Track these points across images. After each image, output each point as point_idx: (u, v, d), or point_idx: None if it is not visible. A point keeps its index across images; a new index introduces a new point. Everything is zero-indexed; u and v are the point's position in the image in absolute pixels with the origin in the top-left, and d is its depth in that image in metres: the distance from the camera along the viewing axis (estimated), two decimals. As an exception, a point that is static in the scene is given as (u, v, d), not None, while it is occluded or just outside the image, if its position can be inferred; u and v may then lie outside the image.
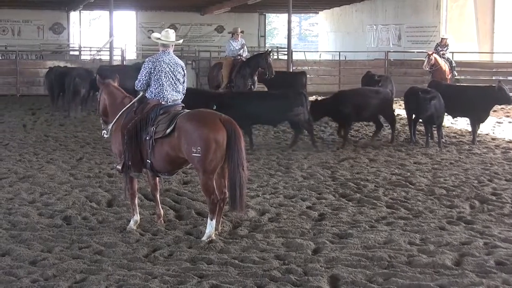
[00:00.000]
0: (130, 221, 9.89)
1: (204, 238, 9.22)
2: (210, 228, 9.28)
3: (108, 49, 32.41)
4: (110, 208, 11.01)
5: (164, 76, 9.73)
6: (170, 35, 9.93)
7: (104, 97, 10.37)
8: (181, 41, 10.36)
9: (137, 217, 9.88)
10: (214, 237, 9.24)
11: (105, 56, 33.16)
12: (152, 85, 9.74)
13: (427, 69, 27.43)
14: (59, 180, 13.02)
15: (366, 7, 40.18)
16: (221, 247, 8.94)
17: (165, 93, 9.73)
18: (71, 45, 42.77)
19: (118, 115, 9.92)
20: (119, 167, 9.74)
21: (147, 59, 10.08)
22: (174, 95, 9.84)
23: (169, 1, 40.11)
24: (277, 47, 49.03)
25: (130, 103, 9.96)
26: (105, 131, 10.33)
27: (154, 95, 9.73)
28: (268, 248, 8.94)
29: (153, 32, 10.09)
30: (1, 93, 28.25)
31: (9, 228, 9.79)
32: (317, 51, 46.71)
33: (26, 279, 7.67)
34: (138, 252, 8.71)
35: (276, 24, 72.03)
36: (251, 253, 8.73)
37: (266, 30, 49.25)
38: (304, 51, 46.13)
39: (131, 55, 40.97)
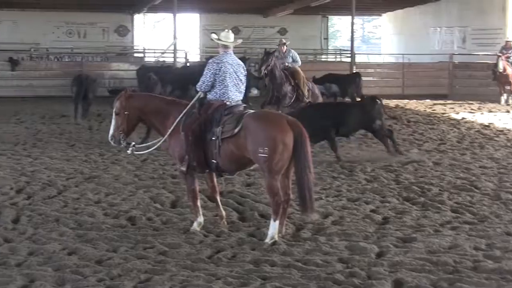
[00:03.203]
0: (193, 222, 9.94)
1: (267, 239, 9.22)
2: (273, 229, 9.27)
3: (172, 51, 32.74)
4: (174, 209, 11.09)
5: (229, 77, 9.74)
6: (230, 36, 9.94)
7: (137, 110, 10.11)
8: (240, 41, 10.37)
9: (200, 218, 9.91)
10: (277, 239, 9.24)
11: (169, 58, 33.44)
12: (217, 86, 9.74)
13: (500, 71, 27.08)
14: (124, 181, 13.17)
15: (430, 9, 39.76)
16: (284, 249, 8.93)
17: (230, 94, 9.76)
18: (135, 47, 43.22)
19: (178, 118, 9.81)
20: (184, 168, 9.76)
21: (210, 60, 10.07)
22: (238, 95, 9.87)
23: (232, 4, 40.23)
24: (339, 49, 48.89)
25: (190, 105, 9.91)
26: (131, 147, 10.21)
27: (219, 96, 9.74)
28: (331, 251, 8.90)
29: (216, 34, 10.04)
30: (68, 94, 28.58)
31: (76, 227, 9.93)
32: (380, 54, 46.41)
33: (92, 278, 7.77)
34: (202, 253, 8.75)
35: (339, 27, 71.70)
36: (314, 255, 8.70)
37: (328, 33, 49.09)
38: (367, 54, 45.91)
39: (195, 57, 41.23)
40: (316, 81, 25.92)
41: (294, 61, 20.50)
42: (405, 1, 40.47)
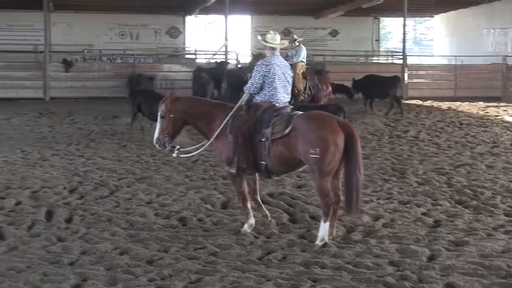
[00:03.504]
0: (244, 224, 9.95)
1: (317, 241, 9.20)
2: (323, 230, 9.24)
3: (223, 53, 32.88)
4: (224, 210, 11.12)
5: (277, 79, 9.74)
6: (276, 38, 9.94)
7: (182, 113, 10.09)
8: (287, 43, 10.34)
9: (251, 220, 9.91)
10: (327, 240, 9.21)
11: (220, 60, 33.55)
12: (266, 88, 9.74)
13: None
14: (175, 182, 13.25)
15: (483, 10, 39.34)
16: (334, 251, 8.90)
17: (278, 96, 9.76)
18: (187, 49, 43.46)
19: (225, 121, 9.79)
20: (234, 170, 9.74)
21: (259, 62, 10.05)
22: (286, 97, 9.88)
23: (284, 5, 40.25)
24: (391, 51, 48.61)
25: (236, 107, 9.91)
26: (176, 151, 10.16)
27: (268, 98, 9.74)
28: (382, 254, 8.84)
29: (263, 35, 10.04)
30: (121, 95, 28.83)
31: (127, 227, 10.01)
32: (432, 56, 46.05)
33: (143, 278, 7.82)
34: (252, 255, 8.76)
35: (391, 28, 71.33)
36: (365, 258, 8.66)
37: (380, 34, 48.84)
38: (419, 56, 45.59)
39: (246, 58, 41.31)
40: (355, 82, 26.12)
41: (294, 56, 20.44)
42: (458, 2, 40.12)
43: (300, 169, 10.01)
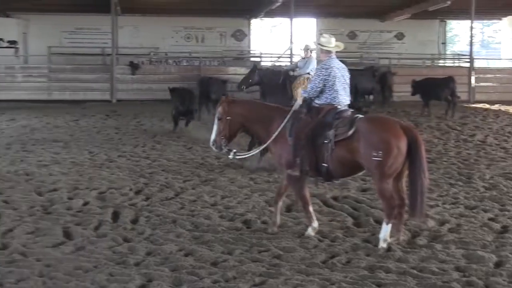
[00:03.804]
0: (308, 227, 9.92)
1: (380, 243, 9.16)
2: (385, 232, 9.21)
3: (288, 56, 32.87)
4: (288, 213, 11.10)
5: (338, 81, 9.77)
6: (331, 41, 9.97)
7: (239, 115, 10.12)
8: (342, 46, 10.33)
9: (315, 223, 9.90)
10: (389, 240, 9.16)
11: (285, 63, 33.56)
12: (326, 91, 9.76)
13: None
14: (240, 184, 13.29)
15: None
16: (399, 256, 8.83)
17: (340, 98, 9.79)
18: (252, 52, 43.58)
19: (282, 124, 9.80)
20: (297, 173, 9.72)
21: (318, 66, 10.10)
22: (346, 99, 9.90)
23: (349, 8, 40.05)
24: (458, 54, 48.02)
25: (292, 110, 9.90)
26: (232, 153, 10.24)
27: (330, 100, 9.75)
28: (448, 259, 8.74)
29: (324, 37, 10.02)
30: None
31: (192, 229, 10.08)
32: (500, 59, 45.36)
33: (208, 280, 7.87)
34: (316, 258, 8.74)
35: (457, 31, 70.46)
36: (430, 263, 8.57)
37: (446, 37, 48.29)
38: (486, 59, 44.96)
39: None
40: (415, 84, 26.25)
41: (302, 67, 20.05)
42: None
43: (359, 174, 9.97)
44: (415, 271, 8.23)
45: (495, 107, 30.43)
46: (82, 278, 7.90)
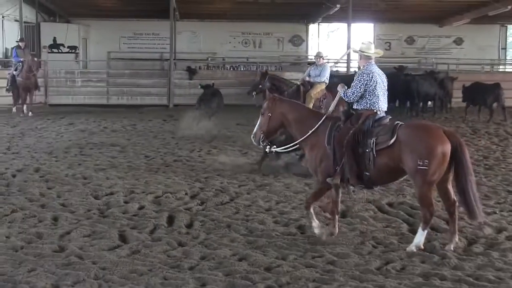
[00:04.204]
0: (361, 231, 9.89)
1: (410, 247, 9.25)
2: (420, 237, 9.27)
3: (346, 61, 32.77)
4: (343, 219, 11.05)
5: (378, 87, 9.82)
6: (371, 47, 10.05)
7: (279, 114, 10.31)
8: (381, 52, 10.33)
9: (335, 230, 9.91)
10: (422, 247, 9.22)
11: (342, 68, 33.46)
12: (367, 96, 9.80)
13: None
14: (295, 189, 13.27)
15: None
16: (455, 263, 8.73)
17: (380, 103, 9.83)
18: (309, 57, 43.53)
19: (312, 130, 9.95)
20: (337, 181, 9.72)
21: (359, 71, 10.12)
22: (385, 105, 9.95)
23: (407, 13, 39.78)
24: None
25: (325, 116, 10.04)
26: (270, 147, 10.59)
27: (369, 106, 9.78)
28: (505, 268, 8.61)
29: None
30: (242, 103, 29.03)
31: (246, 234, 10.10)
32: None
33: (261, 285, 7.87)
34: (370, 264, 8.69)
35: (518, 36, 69.45)
36: (486, 271, 8.46)
37: (507, 42, 47.61)
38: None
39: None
40: (464, 90, 26.40)
41: (317, 76, 19.81)
42: None
43: (402, 179, 9.91)
44: (471, 279, 8.14)
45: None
46: (136, 282, 7.97)
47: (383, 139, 9.34)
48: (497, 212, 11.54)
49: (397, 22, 42.10)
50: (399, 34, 42.43)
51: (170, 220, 10.93)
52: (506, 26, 45.54)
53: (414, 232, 10.27)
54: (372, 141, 9.40)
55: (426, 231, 9.25)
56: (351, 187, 9.88)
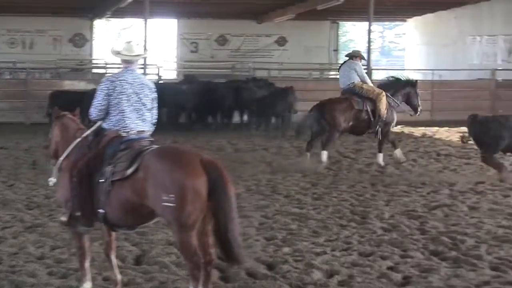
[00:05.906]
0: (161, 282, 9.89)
1: None
2: None
3: (142, 66, 32.70)
4: (138, 267, 10.99)
5: (126, 100, 9.45)
6: (133, 48, 9.77)
7: (56, 133, 10.13)
8: (147, 54, 10.10)
9: (87, 284, 9.65)
10: None
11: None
12: (111, 111, 9.48)
13: None
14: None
15: (467, 12, 39.91)
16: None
17: (127, 122, 9.44)
18: (94, 61, 43.34)
19: (66, 152, 9.66)
20: (64, 218, 9.46)
21: (104, 78, 9.89)
22: (140, 124, 9.54)
23: (218, 7, 40.17)
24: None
25: (82, 136, 9.67)
26: (52, 178, 9.99)
27: (114, 125, 9.48)
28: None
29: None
30: (6, 120, 28.50)
31: None
32: (404, 69, 46.51)
33: None
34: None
35: (353, 35, 72.11)
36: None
37: (339, 43, 49.22)
38: (386, 69, 45.97)
39: (170, 73, 41.20)
40: None
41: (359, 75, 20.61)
42: (436, 4, 40.61)
43: (153, 221, 9.45)
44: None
45: (397, 129, 30.88)
46: None
47: (122, 167, 8.94)
48: (328, 251, 11.83)
49: (206, 18, 42.58)
50: (208, 32, 43.01)
51: None
52: (338, 23, 47.07)
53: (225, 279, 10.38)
54: (109, 169, 9.01)
55: None
56: (84, 228, 9.46)
